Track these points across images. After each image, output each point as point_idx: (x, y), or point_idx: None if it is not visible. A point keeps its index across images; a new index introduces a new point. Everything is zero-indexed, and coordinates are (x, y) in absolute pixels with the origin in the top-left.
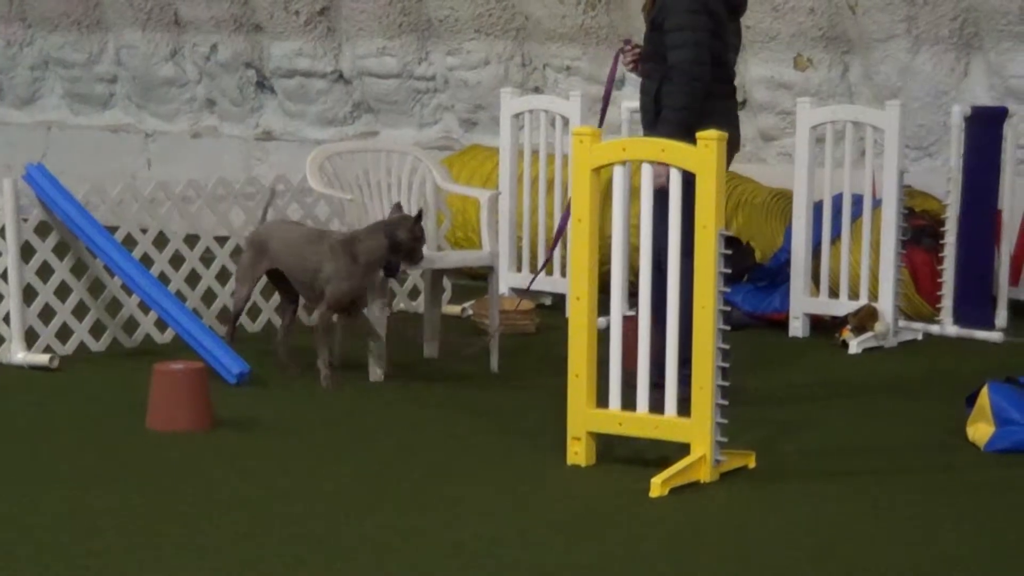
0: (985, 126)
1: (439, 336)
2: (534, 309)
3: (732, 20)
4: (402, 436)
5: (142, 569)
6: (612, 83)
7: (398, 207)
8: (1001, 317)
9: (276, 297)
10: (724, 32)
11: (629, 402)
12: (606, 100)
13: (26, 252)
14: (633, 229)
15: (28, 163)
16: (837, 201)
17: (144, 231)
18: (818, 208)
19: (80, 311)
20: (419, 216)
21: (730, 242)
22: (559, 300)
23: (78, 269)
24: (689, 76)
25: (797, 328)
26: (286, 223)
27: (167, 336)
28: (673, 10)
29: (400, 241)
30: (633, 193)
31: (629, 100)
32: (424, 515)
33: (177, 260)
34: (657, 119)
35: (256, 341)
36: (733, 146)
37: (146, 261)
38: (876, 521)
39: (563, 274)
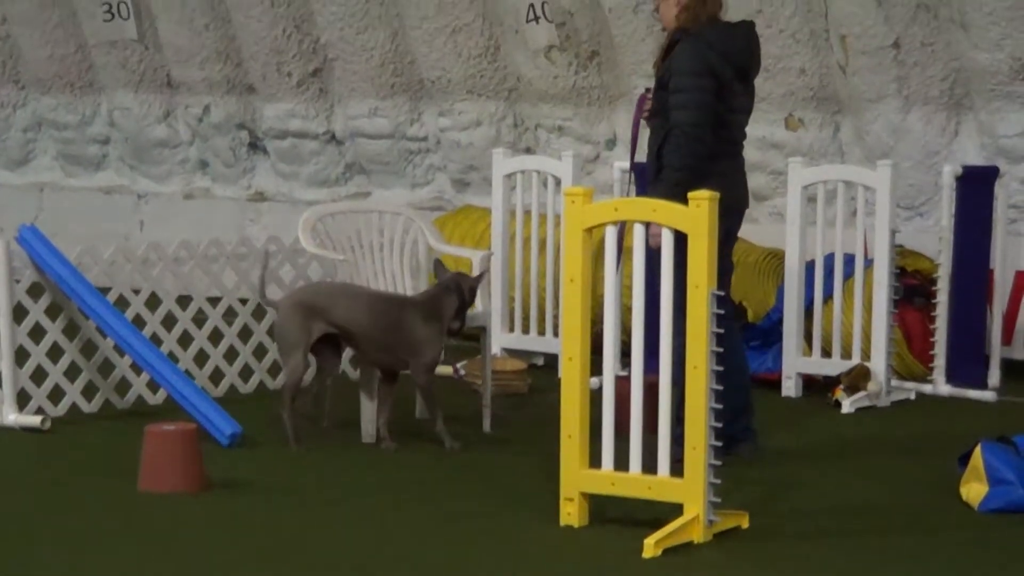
0: (976, 186)
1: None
2: (526, 369)
3: (742, 82)
4: (394, 497)
5: None
6: (638, 127)
7: (440, 264)
8: (994, 376)
9: (270, 358)
10: (729, 94)
11: (622, 462)
12: (634, 143)
13: (18, 313)
14: (625, 290)
15: (21, 224)
16: (829, 261)
17: (136, 292)
18: (810, 268)
19: (72, 372)
20: (481, 276)
21: (722, 302)
22: (551, 360)
23: (70, 330)
24: (689, 137)
25: (790, 388)
26: (337, 285)
27: (159, 397)
28: (678, 71)
29: (467, 302)
30: (625, 253)
31: (620, 160)
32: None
33: (169, 321)
34: (658, 177)
35: (249, 402)
36: (739, 205)
37: (138, 322)
38: None
39: (555, 334)
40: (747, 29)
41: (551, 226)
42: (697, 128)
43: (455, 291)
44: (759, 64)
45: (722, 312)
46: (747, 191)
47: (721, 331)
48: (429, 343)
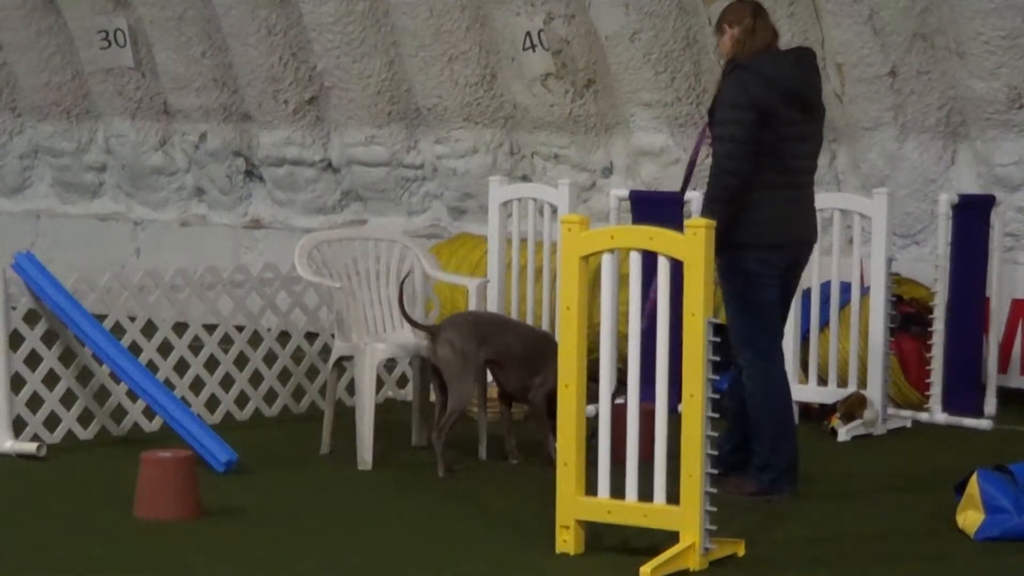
0: (972, 214)
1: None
2: None
3: (797, 110)
4: (389, 525)
5: None
6: (698, 153)
7: None
8: (990, 404)
9: (266, 385)
10: (779, 123)
11: (618, 490)
12: (690, 168)
13: (14, 340)
14: (621, 317)
15: (17, 251)
16: (825, 289)
17: (133, 319)
18: (806, 296)
19: (68, 399)
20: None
21: (719, 330)
22: None
23: (66, 357)
24: (722, 169)
25: None
26: (487, 315)
27: (155, 424)
28: (721, 103)
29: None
30: (621, 281)
31: (617, 188)
32: None
33: (165, 348)
34: None
35: (244, 429)
36: (798, 238)
37: (135, 349)
38: None
39: None
40: (799, 55)
41: (547, 254)
42: (731, 161)
43: None
44: (816, 90)
45: (718, 340)
46: (811, 225)
47: (717, 359)
48: (553, 375)
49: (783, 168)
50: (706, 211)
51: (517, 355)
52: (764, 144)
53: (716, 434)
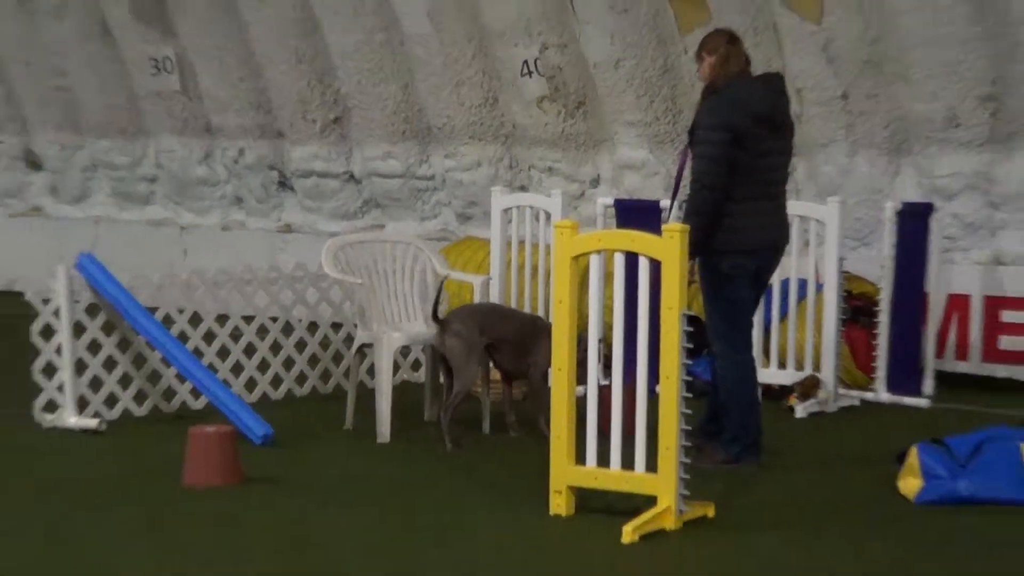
0: (914, 220)
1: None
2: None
3: (768, 129)
4: (404, 490)
5: None
6: (680, 175)
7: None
8: (928, 385)
9: (297, 368)
10: (752, 142)
11: (604, 459)
12: (676, 186)
13: (78, 330)
14: (607, 310)
15: (80, 252)
16: (785, 285)
17: (181, 312)
18: (769, 291)
19: (125, 381)
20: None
21: (692, 320)
22: None
23: (123, 345)
24: (700, 186)
25: None
26: (488, 305)
27: (201, 403)
28: (698, 125)
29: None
30: (607, 278)
31: (604, 197)
32: (424, 559)
33: (209, 337)
34: None
35: (279, 407)
36: (770, 244)
37: (182, 338)
38: (819, 563)
39: None
40: (768, 80)
41: (542, 254)
42: (708, 177)
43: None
44: (783, 111)
45: (691, 329)
46: (782, 231)
47: (691, 346)
48: (547, 358)
49: (758, 181)
50: (687, 221)
51: (511, 339)
52: (740, 161)
53: (690, 411)
